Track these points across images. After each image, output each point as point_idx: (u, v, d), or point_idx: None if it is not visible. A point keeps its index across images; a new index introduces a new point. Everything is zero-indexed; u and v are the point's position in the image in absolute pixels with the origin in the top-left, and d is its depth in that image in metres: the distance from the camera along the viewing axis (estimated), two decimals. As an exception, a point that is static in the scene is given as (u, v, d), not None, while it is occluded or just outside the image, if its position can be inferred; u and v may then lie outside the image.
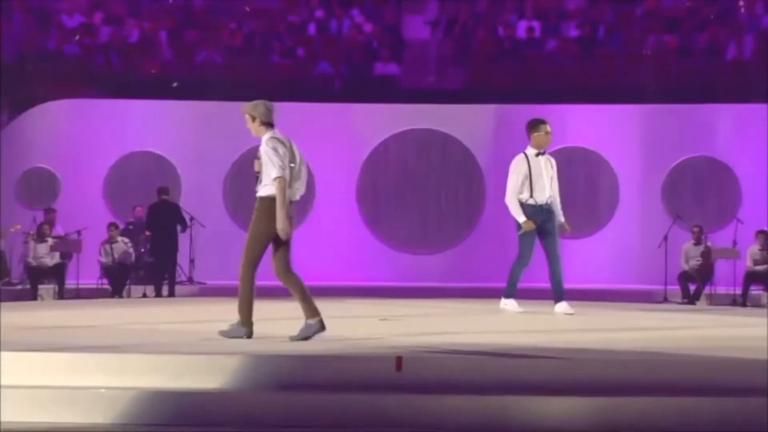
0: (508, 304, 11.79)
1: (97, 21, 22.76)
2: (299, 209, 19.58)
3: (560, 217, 11.74)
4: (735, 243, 17.50)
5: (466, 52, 22.62)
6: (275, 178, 8.84)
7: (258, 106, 9.09)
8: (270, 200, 8.89)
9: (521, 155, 11.72)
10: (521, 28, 22.73)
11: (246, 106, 9.15)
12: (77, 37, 22.39)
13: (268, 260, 18.71)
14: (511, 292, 11.85)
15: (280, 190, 8.83)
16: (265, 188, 8.97)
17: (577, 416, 7.12)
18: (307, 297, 8.97)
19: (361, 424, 6.88)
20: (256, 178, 9.11)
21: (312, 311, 8.90)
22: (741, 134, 19.64)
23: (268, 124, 9.03)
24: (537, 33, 22.65)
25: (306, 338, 8.75)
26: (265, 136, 9.02)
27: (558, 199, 11.74)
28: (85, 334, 9.50)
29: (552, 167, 11.70)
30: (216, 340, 8.81)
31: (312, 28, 22.95)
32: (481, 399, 7.24)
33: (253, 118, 9.07)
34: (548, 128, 11.70)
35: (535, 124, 11.78)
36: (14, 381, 7.50)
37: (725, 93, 19.93)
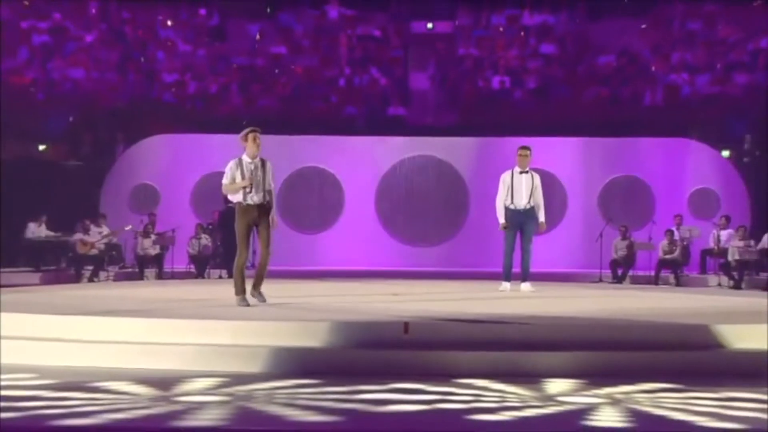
0: (503, 286, 11.75)
1: (187, 78, 22.84)
2: (334, 213, 19.79)
3: (541, 217, 11.68)
4: (650, 238, 17.59)
5: (456, 98, 22.65)
6: (273, 188, 9.18)
7: None
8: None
9: (508, 171, 11.74)
10: (495, 82, 22.75)
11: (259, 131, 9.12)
12: (173, 89, 22.50)
13: (309, 248, 18.34)
14: (506, 276, 11.80)
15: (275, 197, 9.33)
16: (267, 195, 9.07)
17: (544, 365, 7.10)
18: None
19: (378, 372, 6.89)
20: (249, 190, 9.01)
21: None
22: (655, 159, 19.68)
23: None
24: (507, 85, 22.66)
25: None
26: (268, 161, 9.14)
27: (541, 205, 11.66)
28: (193, 306, 9.41)
29: (533, 182, 11.61)
30: (286, 309, 8.77)
31: (342, 81, 22.98)
32: (469, 354, 7.26)
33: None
34: (521, 152, 11.70)
35: (517, 150, 11.83)
36: (161, 339, 7.54)
37: (644, 129, 19.96)
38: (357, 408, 5.87)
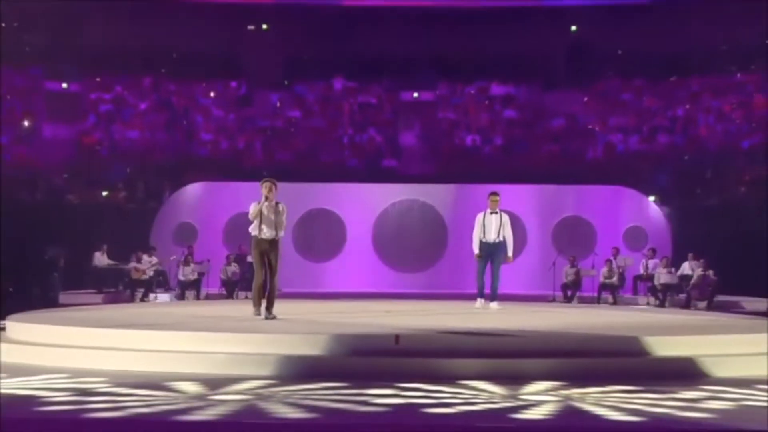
0: (478, 302, 11.78)
1: (220, 137, 22.96)
2: (338, 245, 19.77)
3: (509, 252, 11.66)
4: (593, 266, 17.62)
5: (437, 153, 22.74)
6: (284, 226, 9.30)
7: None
8: None
9: (481, 212, 11.74)
10: (469, 140, 22.89)
11: (274, 181, 9.24)
12: (209, 146, 22.59)
13: (317, 273, 18.17)
14: (480, 294, 11.82)
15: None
16: (276, 232, 9.17)
17: (518, 369, 7.09)
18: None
19: (373, 376, 6.90)
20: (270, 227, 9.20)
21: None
22: (596, 203, 19.73)
23: None
24: (478, 142, 22.78)
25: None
26: (281, 203, 9.24)
27: (509, 240, 11.63)
28: (223, 322, 9.37)
29: (501, 221, 11.59)
30: (299, 323, 8.72)
31: (345, 139, 23.09)
32: (449, 360, 7.27)
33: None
34: (493, 198, 11.67)
35: (488, 195, 11.86)
36: (203, 349, 7.55)
37: (587, 178, 20.08)
38: (348, 406, 5.87)
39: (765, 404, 6.12)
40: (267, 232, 9.14)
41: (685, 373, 7.25)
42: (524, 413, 5.70)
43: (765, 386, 6.76)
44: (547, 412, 5.74)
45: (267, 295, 9.24)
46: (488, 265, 11.74)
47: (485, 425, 5.45)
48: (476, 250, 11.65)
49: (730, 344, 8.02)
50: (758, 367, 7.50)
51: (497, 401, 6.10)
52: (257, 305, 9.25)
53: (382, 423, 5.46)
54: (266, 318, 9.08)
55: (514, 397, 6.22)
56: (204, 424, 5.37)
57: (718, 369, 7.37)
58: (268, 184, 9.20)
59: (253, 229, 9.22)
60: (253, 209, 9.22)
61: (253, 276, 17.04)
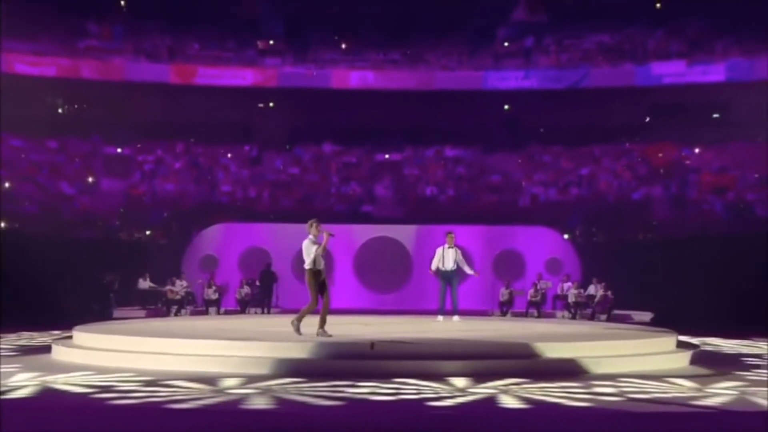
0: (439, 317, 11.87)
1: (237, 188, 23.06)
2: (326, 272, 19.58)
3: (471, 271, 11.85)
4: (523, 288, 17.79)
5: (404, 201, 22.88)
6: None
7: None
8: None
9: (440, 247, 11.83)
10: (428, 191, 23.12)
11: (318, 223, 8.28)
12: (227, 196, 22.56)
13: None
14: (440, 312, 11.94)
15: None
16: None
17: (465, 369, 7.11)
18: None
19: (352, 375, 6.86)
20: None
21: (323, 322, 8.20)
22: (526, 239, 19.76)
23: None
24: (435, 192, 22.99)
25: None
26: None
27: (465, 266, 11.77)
28: (237, 332, 9.26)
29: (457, 253, 11.74)
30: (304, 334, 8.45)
31: (333, 190, 23.26)
32: (416, 362, 7.22)
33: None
34: (450, 236, 11.85)
35: (446, 234, 12.02)
36: (217, 352, 7.59)
37: (518, 221, 20.24)
38: (309, 399, 5.89)
39: (623, 391, 6.31)
40: (322, 263, 8.29)
41: (571, 370, 7.37)
42: (445, 402, 5.68)
43: (630, 380, 6.98)
44: (461, 402, 5.70)
45: (321, 313, 8.34)
46: (447, 289, 11.91)
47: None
48: (433, 269, 11.88)
49: (605, 348, 8.15)
50: (626, 365, 7.68)
51: (440, 393, 6.08)
52: (298, 323, 8.35)
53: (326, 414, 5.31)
54: (326, 335, 8.11)
55: (463, 390, 6.19)
56: (193, 411, 5.39)
57: (596, 367, 7.52)
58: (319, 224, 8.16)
59: (312, 263, 8.21)
60: (316, 248, 8.18)
61: (266, 297, 17.06)
